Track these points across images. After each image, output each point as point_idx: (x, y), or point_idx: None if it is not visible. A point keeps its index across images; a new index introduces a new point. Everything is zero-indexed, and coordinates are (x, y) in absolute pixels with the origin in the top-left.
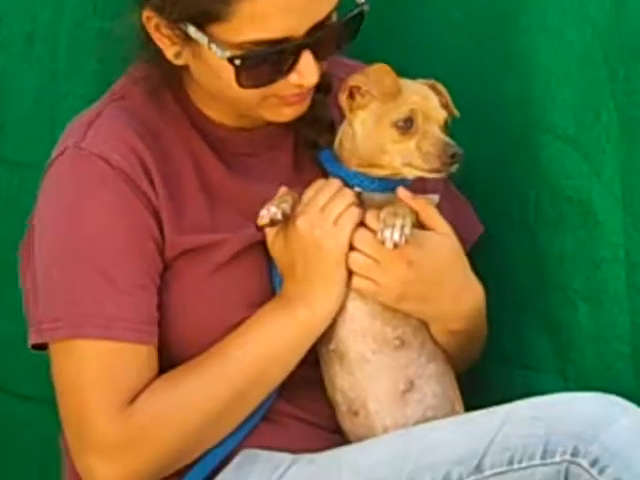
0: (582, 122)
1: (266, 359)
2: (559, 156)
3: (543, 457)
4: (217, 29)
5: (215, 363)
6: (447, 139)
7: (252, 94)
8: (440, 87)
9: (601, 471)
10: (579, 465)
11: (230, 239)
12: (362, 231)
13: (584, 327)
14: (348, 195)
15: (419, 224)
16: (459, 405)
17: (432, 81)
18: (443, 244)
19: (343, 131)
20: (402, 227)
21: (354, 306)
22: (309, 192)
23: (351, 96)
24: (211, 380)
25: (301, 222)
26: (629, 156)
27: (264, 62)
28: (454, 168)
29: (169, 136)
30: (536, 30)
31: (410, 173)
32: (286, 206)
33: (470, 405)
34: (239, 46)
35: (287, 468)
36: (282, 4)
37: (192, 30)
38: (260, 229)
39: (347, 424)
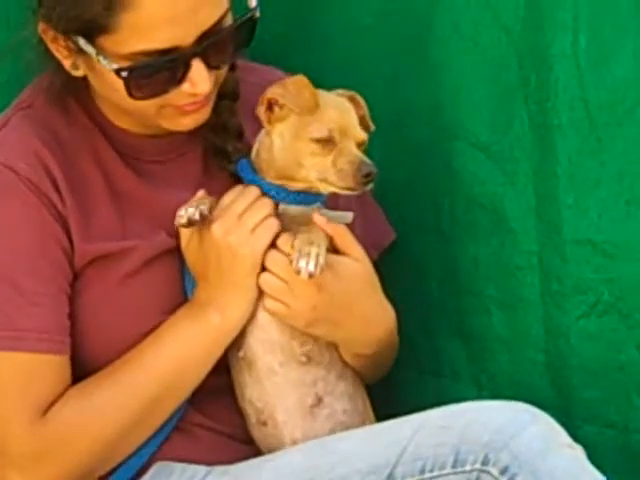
0: (495, 130)
1: (178, 366)
2: (472, 163)
3: (454, 466)
4: (105, 41)
5: (128, 372)
6: (363, 158)
7: (147, 104)
8: (359, 99)
9: (511, 479)
10: (489, 473)
11: (140, 246)
12: (275, 253)
13: (498, 334)
14: (267, 204)
15: (332, 248)
16: (369, 422)
17: (351, 93)
18: (355, 270)
19: (260, 142)
20: (317, 256)
21: (264, 316)
22: (227, 197)
23: (269, 108)
24: (124, 389)
25: (217, 227)
26: (542, 164)
27: (154, 73)
28: (369, 187)
29: (76, 144)
30: (449, 36)
31: (325, 188)
32: (204, 208)
33: (382, 413)
34: (128, 57)
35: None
36: (165, 14)
37: (82, 42)
38: (175, 234)
39: (257, 434)
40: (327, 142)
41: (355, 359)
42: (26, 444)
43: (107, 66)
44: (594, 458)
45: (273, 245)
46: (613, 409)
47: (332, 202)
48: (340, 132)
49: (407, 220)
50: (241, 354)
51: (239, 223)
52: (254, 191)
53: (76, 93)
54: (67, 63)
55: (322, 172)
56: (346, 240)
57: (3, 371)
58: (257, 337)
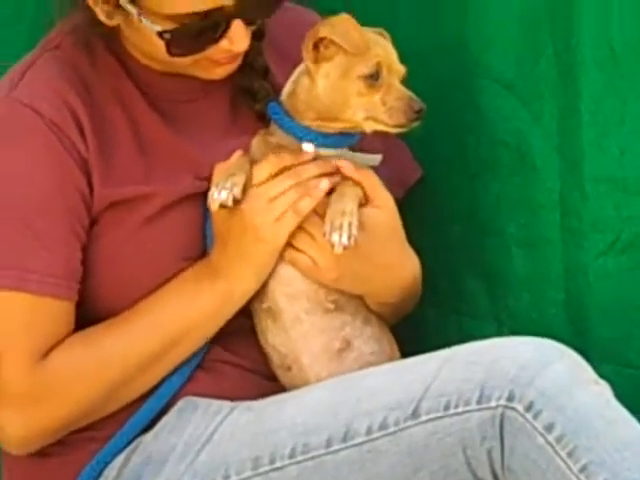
0: (521, 67)
1: (182, 325)
2: (497, 101)
3: (479, 402)
4: (148, 1)
5: (132, 324)
6: (411, 94)
7: (184, 59)
8: (387, 36)
9: (536, 416)
10: (514, 409)
11: (162, 192)
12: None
13: (519, 272)
14: (300, 189)
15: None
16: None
17: (379, 29)
18: (381, 220)
19: (297, 82)
20: (349, 227)
21: (287, 271)
22: (261, 172)
23: (315, 47)
24: (127, 341)
25: (246, 207)
26: (567, 102)
27: (195, 33)
28: (417, 123)
29: (102, 87)
30: None
31: (371, 127)
32: (237, 191)
33: (404, 351)
34: (170, 18)
35: (226, 415)
36: None
37: (124, 0)
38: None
39: (281, 376)
40: (374, 80)
41: (379, 307)
42: (25, 384)
43: (149, 27)
44: None
45: None
46: (631, 348)
47: (358, 141)
48: (387, 68)
49: (431, 158)
50: (265, 306)
51: (269, 207)
52: (292, 175)
53: (105, 36)
54: (102, 14)
55: (370, 110)
56: (373, 186)
57: (6, 310)
58: (281, 291)
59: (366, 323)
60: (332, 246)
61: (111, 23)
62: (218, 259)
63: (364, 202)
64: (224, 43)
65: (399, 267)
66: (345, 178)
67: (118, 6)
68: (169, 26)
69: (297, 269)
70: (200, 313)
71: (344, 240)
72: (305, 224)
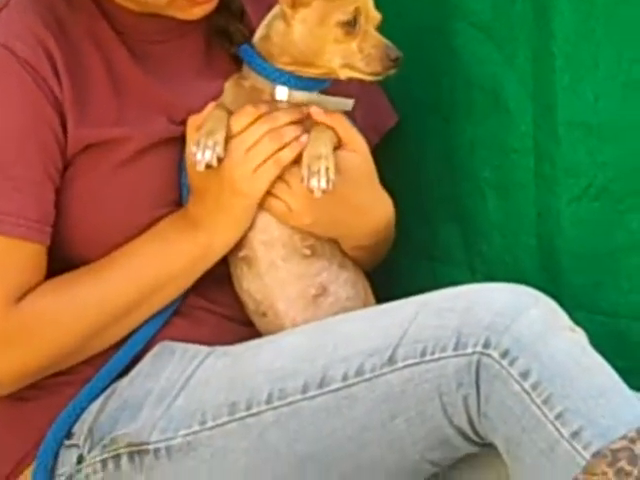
0: (497, 10)
1: (159, 275)
2: (472, 44)
3: (455, 349)
4: None
5: (108, 272)
6: (387, 42)
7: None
8: None
9: (511, 362)
10: (490, 356)
11: (136, 135)
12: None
13: (492, 217)
14: (277, 138)
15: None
16: (371, 306)
17: None
18: (354, 163)
19: (270, 26)
20: (327, 171)
21: (263, 218)
22: (237, 123)
23: None
24: (101, 289)
25: (225, 161)
26: (542, 46)
27: None
28: (393, 72)
29: (77, 26)
30: None
31: (346, 74)
32: (220, 149)
33: (377, 297)
34: None
35: (203, 359)
36: None
37: None
38: (180, 122)
39: (257, 322)
40: (351, 27)
41: (355, 251)
42: None
43: None
44: None
45: None
46: (602, 295)
47: (333, 86)
48: (365, 15)
49: (405, 101)
50: (241, 254)
51: (246, 158)
52: (268, 121)
53: None
54: None
55: (347, 57)
56: (346, 130)
57: None
58: (258, 239)
59: (342, 268)
60: (311, 191)
61: None
62: (197, 211)
63: (338, 146)
64: None
65: (373, 210)
66: (318, 123)
67: None
68: None
69: (272, 215)
70: (179, 264)
71: (323, 184)
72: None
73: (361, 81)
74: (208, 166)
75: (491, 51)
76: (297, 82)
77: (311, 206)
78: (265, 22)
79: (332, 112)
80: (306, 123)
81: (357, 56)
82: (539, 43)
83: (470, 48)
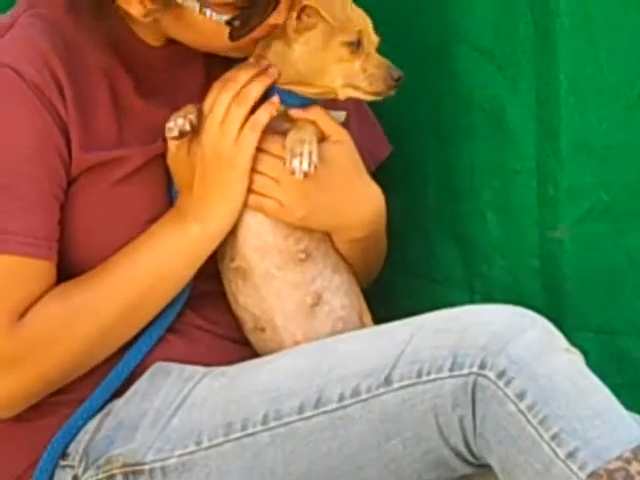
0: (499, 34)
1: (156, 274)
2: (474, 67)
3: (451, 369)
4: None
5: (106, 276)
6: (388, 62)
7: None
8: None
9: (507, 383)
10: (486, 377)
11: (134, 155)
12: (263, 155)
13: (493, 239)
14: (243, 102)
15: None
16: (367, 317)
17: None
18: (340, 152)
19: (268, 47)
20: (310, 154)
21: (255, 221)
22: (207, 103)
23: (298, 17)
24: (101, 292)
25: (204, 138)
26: (545, 68)
27: (257, 13)
28: (393, 92)
29: (84, 51)
30: None
31: (347, 94)
32: (192, 117)
33: (375, 318)
34: (225, 4)
35: (199, 380)
36: None
37: None
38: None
39: (254, 339)
40: (355, 47)
41: (348, 245)
42: (5, 346)
43: (215, 18)
44: (586, 364)
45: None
46: (605, 315)
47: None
48: (367, 37)
49: (406, 123)
50: (234, 265)
51: (222, 132)
52: (229, 88)
53: (98, 9)
54: (139, 10)
55: (350, 77)
56: (328, 123)
57: None
58: (251, 245)
59: (335, 272)
60: (292, 173)
61: (144, 20)
62: (185, 203)
63: (321, 139)
64: (272, 17)
65: (364, 200)
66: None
67: (166, 3)
68: (229, 13)
69: (264, 214)
70: (174, 259)
71: (304, 166)
72: (265, 168)
73: (357, 105)
74: (182, 134)
75: (493, 74)
76: (296, 100)
77: (302, 199)
78: (261, 44)
79: (311, 107)
80: (286, 125)
81: (360, 76)
82: (542, 66)
83: (472, 71)
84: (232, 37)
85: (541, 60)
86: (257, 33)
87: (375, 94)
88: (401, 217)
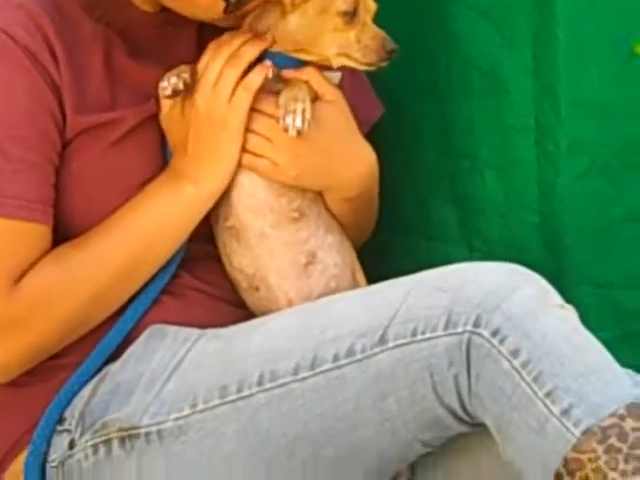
0: None
1: (151, 234)
2: (470, 26)
3: (446, 328)
4: None
5: (100, 238)
6: (384, 34)
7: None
8: None
9: (502, 341)
10: (480, 335)
11: (128, 116)
12: (257, 115)
13: (492, 196)
14: (236, 64)
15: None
16: (360, 275)
17: None
18: (332, 112)
19: (260, 17)
20: (303, 111)
21: (249, 180)
22: (201, 63)
23: None
24: (96, 255)
25: (197, 99)
26: (542, 27)
27: None
28: (386, 63)
29: (76, 13)
30: None
31: (340, 63)
32: (186, 76)
33: (373, 277)
34: None
35: (194, 342)
36: None
37: None
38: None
39: (249, 299)
40: (351, 17)
41: (340, 205)
42: (2, 310)
43: None
44: (585, 318)
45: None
46: (605, 269)
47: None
48: (363, 6)
49: (403, 82)
50: (228, 224)
51: (215, 93)
52: (220, 55)
53: None
54: None
55: (344, 47)
56: (320, 83)
57: None
58: (244, 204)
59: (328, 231)
60: (285, 130)
61: None
62: (179, 164)
63: (314, 98)
64: None
65: (357, 158)
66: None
67: None
68: None
69: (257, 174)
70: (168, 220)
71: (298, 123)
72: (258, 128)
73: (352, 70)
74: (175, 93)
75: (490, 33)
76: (291, 63)
77: (295, 158)
78: (254, 13)
79: (304, 67)
80: (280, 85)
81: (354, 46)
82: (540, 24)
83: (468, 31)
84: (227, 11)
85: (538, 18)
86: (251, 6)
87: (367, 65)
88: (399, 176)
